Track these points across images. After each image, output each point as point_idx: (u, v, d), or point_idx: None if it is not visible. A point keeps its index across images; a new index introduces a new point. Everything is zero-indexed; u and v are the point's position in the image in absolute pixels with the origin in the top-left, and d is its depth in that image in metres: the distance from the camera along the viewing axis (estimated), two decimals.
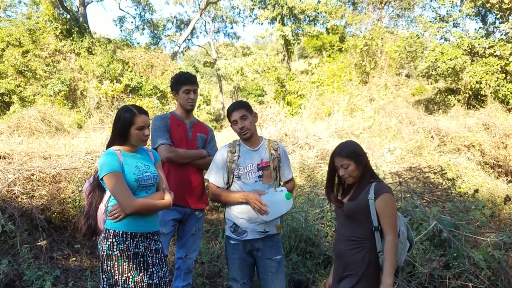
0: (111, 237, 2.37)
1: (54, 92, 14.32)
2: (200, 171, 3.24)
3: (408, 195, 4.78)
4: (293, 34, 25.42)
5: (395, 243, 2.23)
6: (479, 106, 14.87)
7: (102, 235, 2.43)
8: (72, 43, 15.99)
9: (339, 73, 16.05)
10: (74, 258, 4.50)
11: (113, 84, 14.99)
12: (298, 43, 28.66)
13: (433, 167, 6.24)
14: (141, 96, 15.73)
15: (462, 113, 13.00)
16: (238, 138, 2.93)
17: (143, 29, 32.73)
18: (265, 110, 12.71)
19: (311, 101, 14.07)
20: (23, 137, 9.14)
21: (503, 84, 14.58)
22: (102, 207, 2.48)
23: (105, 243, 2.38)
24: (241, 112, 2.79)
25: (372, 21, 18.90)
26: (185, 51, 39.65)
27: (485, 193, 6.62)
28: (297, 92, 15.32)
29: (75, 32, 16.18)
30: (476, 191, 4.68)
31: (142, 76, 16.94)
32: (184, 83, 3.16)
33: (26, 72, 14.56)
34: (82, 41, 16.19)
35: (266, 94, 30.45)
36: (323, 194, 5.59)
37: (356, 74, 15.99)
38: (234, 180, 2.80)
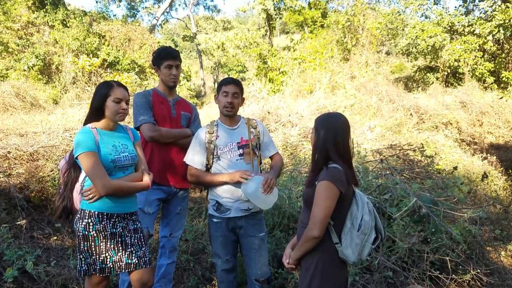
0: (87, 217, 2.33)
1: (28, 67, 13.77)
2: (184, 151, 3.16)
3: (388, 172, 4.88)
4: (275, 8, 24.96)
5: (310, 236, 2.05)
6: (457, 84, 15.15)
7: (78, 215, 2.38)
8: (46, 15, 15.28)
9: (321, 49, 15.94)
10: (55, 237, 4.45)
11: (91, 58, 14.50)
12: (280, 18, 28.21)
13: (412, 145, 6.36)
14: (118, 71, 15.28)
15: (440, 91, 13.23)
16: (217, 117, 2.90)
17: (120, 0, 31.51)
18: (247, 88, 12.57)
19: (293, 78, 13.98)
20: None
21: (480, 63, 14.83)
22: (78, 186, 2.42)
23: (80, 223, 2.33)
24: (236, 89, 2.78)
25: None
26: (164, 24, 38.53)
27: (461, 170, 6.80)
28: (279, 69, 15.18)
29: (48, 3, 15.45)
30: (456, 168, 4.81)
31: (119, 51, 16.39)
32: (165, 58, 3.06)
33: None
34: (56, 13, 15.50)
35: (247, 71, 30.11)
36: (306, 172, 5.65)
37: (338, 51, 15.92)
38: (214, 161, 2.77)
